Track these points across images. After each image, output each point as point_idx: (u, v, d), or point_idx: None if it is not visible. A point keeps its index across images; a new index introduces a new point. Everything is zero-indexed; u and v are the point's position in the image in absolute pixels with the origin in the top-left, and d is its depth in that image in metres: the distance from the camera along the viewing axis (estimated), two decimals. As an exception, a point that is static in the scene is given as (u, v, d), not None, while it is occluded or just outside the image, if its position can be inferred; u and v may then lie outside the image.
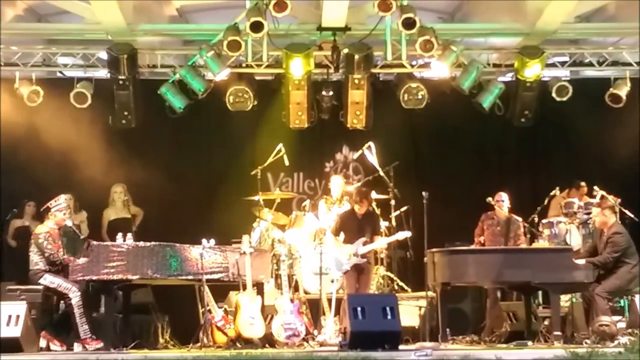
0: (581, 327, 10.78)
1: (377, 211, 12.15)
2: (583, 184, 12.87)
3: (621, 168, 13.15)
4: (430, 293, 10.94)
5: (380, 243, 11.39)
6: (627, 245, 10.54)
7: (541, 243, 11.43)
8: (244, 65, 12.72)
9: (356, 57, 12.18)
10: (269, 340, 10.57)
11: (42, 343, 10.31)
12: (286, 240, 12.04)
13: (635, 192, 12.56)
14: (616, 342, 9.77)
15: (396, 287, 12.20)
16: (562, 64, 13.13)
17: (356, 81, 12.42)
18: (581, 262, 10.59)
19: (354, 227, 11.15)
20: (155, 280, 10.42)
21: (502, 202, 11.73)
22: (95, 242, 10.35)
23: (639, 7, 11.60)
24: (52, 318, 10.59)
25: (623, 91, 13.04)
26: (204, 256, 10.33)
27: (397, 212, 12.25)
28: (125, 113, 12.65)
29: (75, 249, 10.72)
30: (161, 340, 11.16)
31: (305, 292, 11.59)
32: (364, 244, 11.05)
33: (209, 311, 10.54)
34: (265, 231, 12.12)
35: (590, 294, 10.44)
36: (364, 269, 11.10)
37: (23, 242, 11.88)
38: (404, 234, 11.45)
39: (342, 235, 11.26)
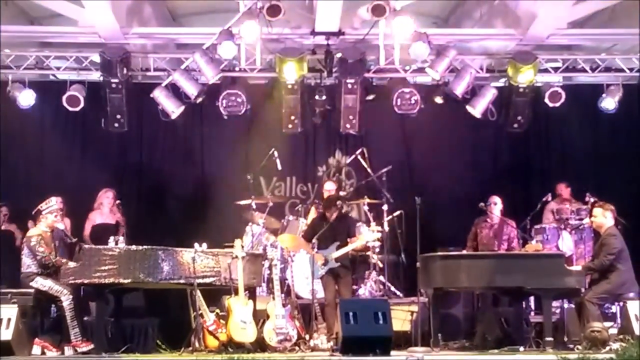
0: (573, 333, 10.78)
1: (370, 216, 12.16)
2: (563, 185, 12.92)
3: (613, 174, 13.16)
4: (422, 298, 10.94)
5: (352, 246, 11.31)
6: (621, 247, 10.51)
7: (534, 244, 11.43)
8: (237, 69, 12.71)
9: (349, 61, 12.18)
10: (260, 344, 10.55)
11: (37, 350, 10.20)
12: (278, 244, 12.03)
13: (628, 198, 12.57)
14: (607, 348, 9.75)
15: (388, 292, 12.19)
16: (555, 69, 13.12)
17: (349, 86, 12.41)
18: (577, 268, 10.61)
19: (327, 232, 11.03)
20: (147, 284, 10.38)
21: (495, 205, 11.79)
22: (86, 246, 10.35)
23: (638, 11, 11.59)
24: (43, 323, 10.54)
25: (616, 97, 13.06)
26: (196, 260, 10.31)
27: (390, 217, 12.26)
28: (118, 116, 12.60)
29: (66, 252, 10.67)
30: (153, 344, 11.12)
31: (297, 297, 11.59)
32: (338, 248, 11.04)
33: (201, 315, 10.51)
34: (257, 235, 12.10)
35: (581, 300, 10.45)
36: (340, 273, 11.04)
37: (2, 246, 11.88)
38: (373, 236, 11.41)
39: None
